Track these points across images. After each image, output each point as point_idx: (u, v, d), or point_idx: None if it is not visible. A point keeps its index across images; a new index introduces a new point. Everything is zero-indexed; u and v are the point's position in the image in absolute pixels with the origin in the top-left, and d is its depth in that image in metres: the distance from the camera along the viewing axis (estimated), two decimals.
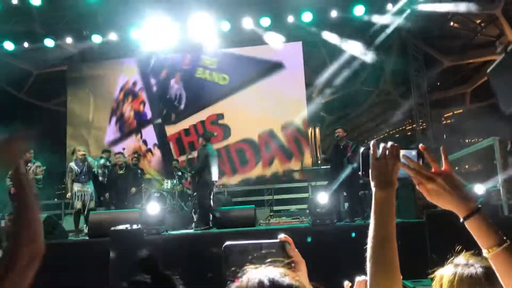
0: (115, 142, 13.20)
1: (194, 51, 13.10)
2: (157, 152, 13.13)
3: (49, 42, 12.99)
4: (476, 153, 8.76)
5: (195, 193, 9.30)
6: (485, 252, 1.18)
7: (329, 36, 13.16)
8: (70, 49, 13.95)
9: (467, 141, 18.90)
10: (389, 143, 1.29)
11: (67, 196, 9.13)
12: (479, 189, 6.28)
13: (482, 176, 7.48)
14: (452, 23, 14.90)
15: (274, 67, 13.32)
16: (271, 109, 13.14)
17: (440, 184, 1.24)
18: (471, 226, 1.20)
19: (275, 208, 12.15)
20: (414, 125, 15.67)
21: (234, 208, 8.50)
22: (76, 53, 14.21)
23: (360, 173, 1.33)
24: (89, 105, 14.11)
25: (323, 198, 7.40)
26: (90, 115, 13.96)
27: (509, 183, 6.81)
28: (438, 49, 14.96)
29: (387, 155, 1.28)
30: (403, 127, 22.19)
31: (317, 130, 17.15)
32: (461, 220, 1.21)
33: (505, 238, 1.16)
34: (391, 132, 24.14)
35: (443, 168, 1.26)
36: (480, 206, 1.20)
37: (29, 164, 8.94)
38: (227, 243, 1.15)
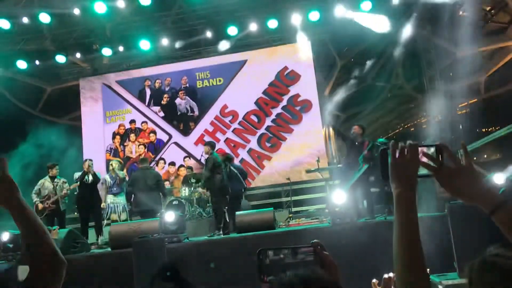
0: None
1: (188, 73, 14.00)
2: (190, 161, 13.43)
3: (60, 58, 13.17)
4: (493, 141, 8.62)
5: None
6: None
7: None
8: (81, 63, 14.15)
9: (483, 130, 18.65)
10: (408, 142, 1.29)
11: (101, 206, 9.23)
12: (499, 178, 6.14)
13: (502, 164, 7.35)
14: (461, 12, 14.73)
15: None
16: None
17: (462, 180, 1.23)
18: (498, 220, 1.18)
19: (294, 209, 12.13)
20: (429, 118, 15.50)
21: (253, 212, 8.50)
22: (87, 67, 14.41)
23: (381, 174, 1.32)
24: (100, 123, 14.34)
25: (341, 196, 7.36)
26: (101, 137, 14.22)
27: None
28: (449, 39, 14.79)
29: (406, 155, 1.27)
30: (418, 121, 21.99)
31: (331, 129, 17.10)
32: (488, 214, 1.20)
33: None
34: (406, 127, 23.96)
35: (464, 164, 1.25)
36: (506, 199, 1.19)
37: (55, 180, 9.09)
38: (262, 248, 1.16)
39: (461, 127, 17.12)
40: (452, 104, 16.60)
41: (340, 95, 17.13)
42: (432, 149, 1.31)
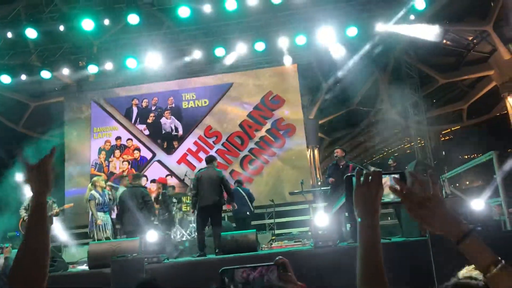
0: None
1: (174, 94, 14.24)
2: (172, 180, 13.48)
3: (45, 74, 13.05)
4: (475, 168, 8.73)
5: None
6: (482, 275, 1.17)
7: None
8: (66, 80, 14.07)
9: (466, 156, 18.92)
10: (372, 169, 1.35)
11: (97, 222, 8.90)
12: (478, 204, 6.20)
13: (483, 191, 7.43)
14: (445, 41, 15.07)
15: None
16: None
17: (429, 209, 1.23)
18: (464, 249, 1.19)
19: (277, 231, 12.03)
20: (413, 143, 15.68)
21: (235, 233, 8.40)
22: (72, 84, 14.33)
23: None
24: (85, 138, 14.32)
25: (324, 219, 7.32)
26: (82, 148, 14.23)
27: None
28: (433, 67, 15.08)
29: (370, 182, 1.29)
30: (402, 146, 22.25)
31: (316, 151, 17.17)
32: (455, 244, 1.21)
33: (499, 258, 1.15)
34: (390, 151, 24.20)
35: (432, 193, 1.25)
36: (472, 229, 1.20)
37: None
38: (224, 267, 1.15)
39: (444, 153, 17.33)
40: (435, 130, 16.84)
41: (326, 118, 17.32)
42: (397, 177, 1.33)
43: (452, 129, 19.57)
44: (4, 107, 14.01)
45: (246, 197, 9.82)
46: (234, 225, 11.11)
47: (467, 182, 20.36)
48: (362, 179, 1.31)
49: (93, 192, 9.06)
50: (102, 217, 8.97)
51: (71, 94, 14.65)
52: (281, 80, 14.04)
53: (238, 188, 10.66)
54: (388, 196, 1.35)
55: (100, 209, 8.99)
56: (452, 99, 16.89)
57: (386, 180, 1.35)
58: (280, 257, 1.20)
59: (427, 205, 1.23)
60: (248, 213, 10.03)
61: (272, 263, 1.17)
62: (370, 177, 1.30)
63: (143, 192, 9.02)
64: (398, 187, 1.29)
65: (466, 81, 16.07)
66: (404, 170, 8.76)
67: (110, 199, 9.29)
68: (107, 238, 8.82)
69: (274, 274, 1.14)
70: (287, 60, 13.64)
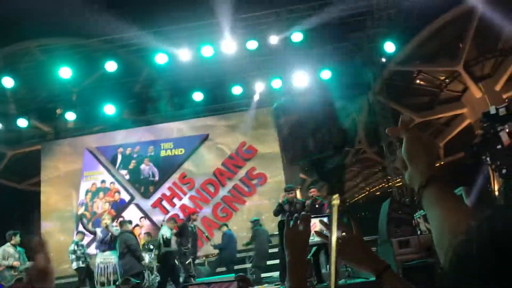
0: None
1: (154, 144, 14.71)
2: (145, 222, 13.90)
3: (22, 123, 12.99)
4: None
5: None
6: None
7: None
8: (43, 128, 14.02)
9: None
10: (301, 214, 1.41)
11: None
12: None
13: None
14: (418, 81, 15.50)
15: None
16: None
17: (351, 248, 1.31)
18: (384, 283, 1.23)
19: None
20: (391, 183, 15.78)
21: (214, 278, 8.25)
22: (49, 132, 14.27)
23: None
24: (63, 188, 14.37)
25: None
26: (63, 204, 14.28)
27: None
28: (408, 107, 15.41)
29: (298, 226, 1.39)
30: (383, 185, 22.36)
31: (298, 192, 17.18)
32: (376, 279, 1.25)
33: None
34: (371, 190, 24.28)
35: (354, 233, 1.34)
36: (389, 264, 1.26)
37: (17, 249, 8.58)
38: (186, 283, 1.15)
39: None
40: None
41: (306, 159, 17.42)
42: (325, 219, 1.46)
43: None
44: None
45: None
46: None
47: None
48: (291, 222, 1.40)
49: (97, 229, 8.94)
50: (102, 259, 8.68)
51: (49, 142, 14.56)
52: (257, 123, 14.26)
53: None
54: (315, 238, 1.49)
55: (99, 249, 8.75)
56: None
57: (315, 222, 1.51)
58: (241, 274, 1.24)
59: (349, 244, 1.31)
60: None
61: (233, 279, 1.22)
62: (299, 221, 1.39)
63: (132, 237, 8.84)
64: (325, 231, 1.38)
65: (441, 119, 16.41)
66: (380, 208, 8.80)
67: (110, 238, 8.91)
68: (116, 281, 8.37)
69: None
70: (264, 103, 13.85)
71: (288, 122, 15.28)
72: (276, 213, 8.66)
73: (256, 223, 10.98)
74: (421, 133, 1.07)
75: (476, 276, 0.45)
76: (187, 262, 9.37)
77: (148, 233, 11.66)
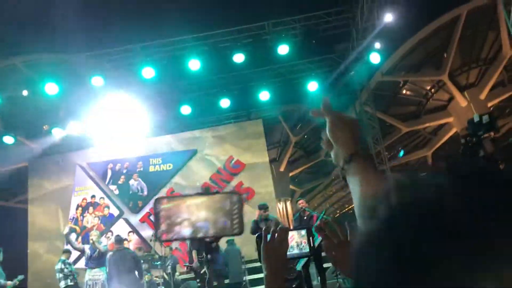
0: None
1: (143, 159, 14.88)
2: (133, 237, 13.98)
3: (8, 140, 12.87)
4: None
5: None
6: None
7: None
8: (30, 145, 13.89)
9: None
10: (279, 227, 1.37)
11: None
12: None
13: None
14: (404, 91, 15.64)
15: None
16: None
17: (338, 252, 1.29)
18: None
19: None
20: None
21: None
22: (36, 149, 14.14)
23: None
24: (50, 207, 14.31)
25: (293, 272, 7.24)
26: (51, 223, 14.22)
27: None
28: (395, 116, 15.54)
29: (276, 239, 1.35)
30: None
31: (288, 203, 17.17)
32: None
33: None
34: None
35: (341, 238, 1.32)
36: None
37: None
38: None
39: None
40: None
41: (296, 170, 17.46)
42: (303, 232, 1.44)
43: None
44: None
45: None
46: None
47: None
48: (269, 236, 1.36)
49: (85, 246, 8.87)
50: (90, 276, 8.56)
51: (36, 159, 14.43)
52: (246, 135, 14.31)
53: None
54: (294, 250, 1.44)
55: (87, 266, 8.65)
56: (416, 146, 17.32)
57: (293, 234, 1.44)
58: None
59: (337, 249, 1.30)
60: None
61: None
62: (276, 234, 1.36)
63: (133, 254, 8.80)
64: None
65: (428, 128, 16.56)
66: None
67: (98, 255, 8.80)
68: None
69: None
70: (253, 115, 13.88)
71: (279, 133, 15.31)
72: (253, 232, 8.54)
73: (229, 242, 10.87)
74: (342, 113, 1.09)
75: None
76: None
77: (140, 248, 11.57)
